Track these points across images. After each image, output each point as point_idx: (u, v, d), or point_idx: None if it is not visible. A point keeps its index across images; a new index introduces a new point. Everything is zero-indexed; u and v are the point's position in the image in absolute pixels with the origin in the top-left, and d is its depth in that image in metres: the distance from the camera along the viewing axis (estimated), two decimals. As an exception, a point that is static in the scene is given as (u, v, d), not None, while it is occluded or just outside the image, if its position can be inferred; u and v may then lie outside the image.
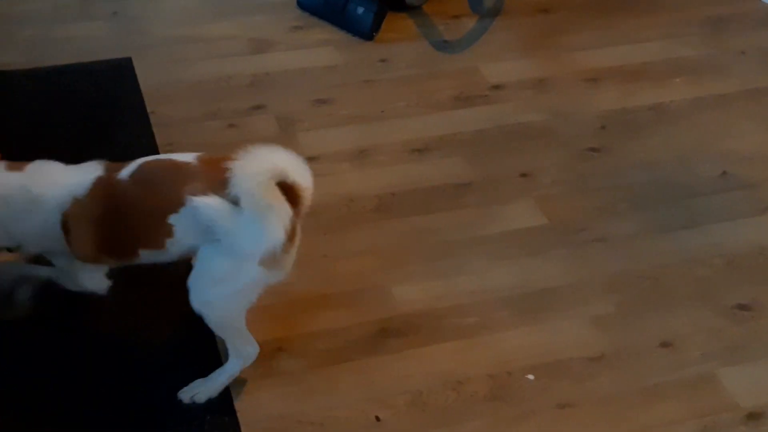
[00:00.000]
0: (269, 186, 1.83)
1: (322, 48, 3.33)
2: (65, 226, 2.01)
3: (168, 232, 1.98)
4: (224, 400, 2.13)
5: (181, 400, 2.12)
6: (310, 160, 2.73)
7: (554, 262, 2.55)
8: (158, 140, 2.84)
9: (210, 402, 2.13)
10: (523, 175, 2.84)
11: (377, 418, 2.13)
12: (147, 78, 3.10)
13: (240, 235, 1.89)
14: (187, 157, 2.02)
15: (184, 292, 2.00)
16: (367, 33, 3.36)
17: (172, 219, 1.96)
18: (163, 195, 1.97)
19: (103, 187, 2.02)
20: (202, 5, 3.55)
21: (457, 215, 2.68)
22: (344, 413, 2.14)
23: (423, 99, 3.13)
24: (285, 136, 2.92)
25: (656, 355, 2.31)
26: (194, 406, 2.12)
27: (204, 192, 1.88)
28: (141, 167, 2.03)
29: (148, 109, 2.97)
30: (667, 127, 3.07)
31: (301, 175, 1.92)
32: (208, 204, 1.87)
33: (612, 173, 2.87)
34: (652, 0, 3.75)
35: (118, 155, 2.72)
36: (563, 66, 3.34)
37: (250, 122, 2.98)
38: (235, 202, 1.85)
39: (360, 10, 3.36)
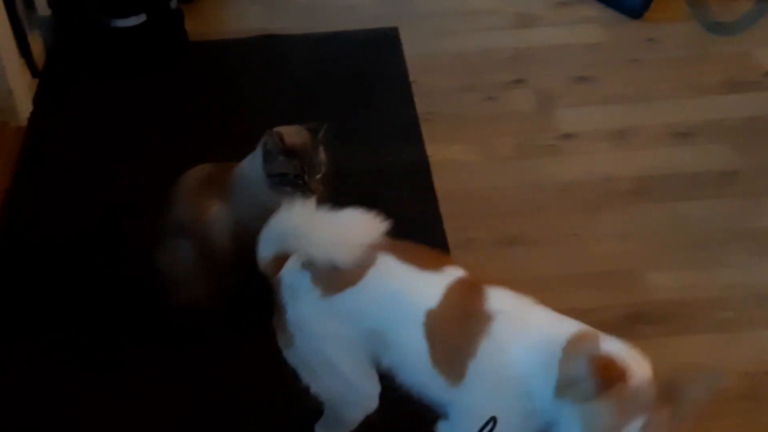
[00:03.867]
0: None
1: (586, 25, 3.27)
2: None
3: None
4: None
5: None
6: (567, 137, 2.78)
7: (826, 263, 2.38)
8: (418, 109, 2.91)
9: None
10: (797, 168, 2.67)
11: (622, 403, 2.08)
12: (411, 48, 3.17)
13: None
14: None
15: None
16: (636, 11, 3.25)
17: None
18: None
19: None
20: (469, -21, 3.58)
21: (721, 205, 2.56)
22: (588, 394, 2.11)
23: (690, 82, 3.00)
24: (542, 111, 2.91)
25: None
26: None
27: None
28: None
29: (411, 78, 3.04)
30: None
31: None
32: None
33: None
34: None
35: (378, 120, 2.87)
36: None
37: (509, 96, 2.98)
38: None
39: (632, -13, 3.26)
